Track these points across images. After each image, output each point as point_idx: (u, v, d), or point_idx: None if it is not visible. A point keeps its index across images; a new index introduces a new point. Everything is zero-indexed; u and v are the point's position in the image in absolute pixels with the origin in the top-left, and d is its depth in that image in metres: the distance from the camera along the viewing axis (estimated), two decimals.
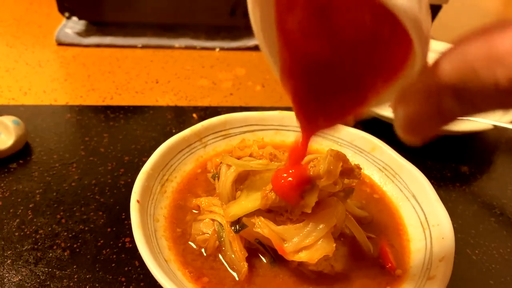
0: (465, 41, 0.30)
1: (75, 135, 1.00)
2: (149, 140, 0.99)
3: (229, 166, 0.65)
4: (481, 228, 0.83)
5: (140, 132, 1.02)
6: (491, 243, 0.80)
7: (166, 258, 0.58)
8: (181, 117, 1.07)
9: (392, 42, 0.31)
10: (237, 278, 0.59)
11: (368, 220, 0.69)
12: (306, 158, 0.63)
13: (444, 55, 0.31)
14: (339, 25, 0.31)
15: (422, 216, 0.67)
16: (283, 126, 0.82)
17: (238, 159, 0.66)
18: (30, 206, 0.82)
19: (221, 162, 0.66)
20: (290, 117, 0.82)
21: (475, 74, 0.28)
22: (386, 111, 1.00)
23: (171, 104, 1.12)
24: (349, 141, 0.79)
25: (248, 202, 0.61)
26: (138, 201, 0.61)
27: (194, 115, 1.07)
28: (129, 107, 1.09)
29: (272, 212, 0.60)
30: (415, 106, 0.32)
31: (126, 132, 1.01)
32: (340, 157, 0.59)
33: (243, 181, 0.64)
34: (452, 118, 0.32)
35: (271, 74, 1.27)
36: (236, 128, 0.80)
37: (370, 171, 0.76)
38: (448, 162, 0.99)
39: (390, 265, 0.62)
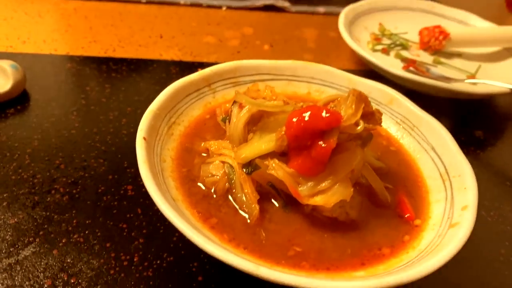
0: None
1: (76, 84, 0.96)
2: (153, 92, 0.94)
3: (241, 107, 0.61)
4: (495, 191, 0.81)
5: (143, 85, 0.98)
6: (506, 205, 0.77)
7: (173, 197, 0.55)
8: (186, 72, 1.02)
9: None
10: (248, 221, 0.56)
11: (384, 171, 0.65)
12: (325, 99, 0.59)
13: None
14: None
15: (442, 168, 0.64)
16: (296, 76, 0.78)
17: None
18: (28, 151, 0.78)
19: (232, 105, 0.63)
20: (303, 68, 0.78)
21: None
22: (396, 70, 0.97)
23: (176, 59, 1.08)
24: (366, 94, 0.75)
25: (262, 143, 0.57)
26: (144, 138, 0.58)
27: (200, 70, 1.03)
28: (132, 59, 1.04)
29: (286, 156, 0.57)
30: None
31: (129, 84, 0.97)
32: (362, 98, 0.55)
33: (256, 123, 0.60)
34: None
35: (280, 34, 1.23)
36: (246, 76, 0.76)
37: (386, 124, 0.72)
38: (463, 127, 0.96)
39: (408, 214, 0.59)
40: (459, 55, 1.16)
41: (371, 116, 0.57)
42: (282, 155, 0.57)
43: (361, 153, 0.56)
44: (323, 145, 0.53)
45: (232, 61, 0.76)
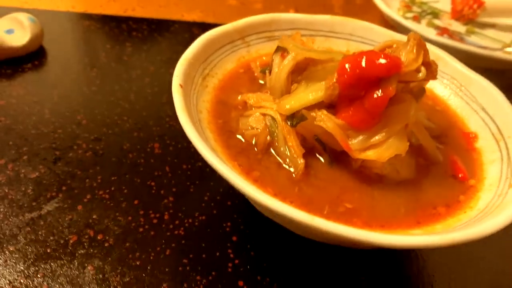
0: None
1: (95, 42, 0.91)
2: (175, 53, 0.90)
3: (283, 56, 0.56)
4: None
5: (165, 45, 0.93)
6: None
7: (213, 149, 0.51)
8: None
9: None
10: (293, 176, 0.51)
11: (435, 133, 0.61)
12: (379, 46, 0.55)
13: None
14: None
15: (494, 128, 0.59)
16: (334, 33, 0.73)
17: None
18: (48, 106, 0.73)
19: (274, 54, 0.58)
20: (341, 23, 0.73)
21: None
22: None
23: (198, 20, 1.03)
24: None
25: (308, 93, 0.53)
26: (181, 86, 0.53)
27: None
28: (153, 19, 0.99)
29: (333, 108, 0.53)
30: None
31: (151, 44, 0.92)
32: (422, 44, 0.51)
33: (301, 72, 0.56)
34: None
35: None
36: (281, 30, 0.71)
37: (432, 84, 0.68)
38: None
39: (462, 175, 0.55)
40: (492, 25, 1.11)
41: (428, 66, 0.52)
42: (329, 107, 0.53)
43: (416, 105, 0.52)
44: (379, 94, 0.48)
45: (267, 14, 0.71)
